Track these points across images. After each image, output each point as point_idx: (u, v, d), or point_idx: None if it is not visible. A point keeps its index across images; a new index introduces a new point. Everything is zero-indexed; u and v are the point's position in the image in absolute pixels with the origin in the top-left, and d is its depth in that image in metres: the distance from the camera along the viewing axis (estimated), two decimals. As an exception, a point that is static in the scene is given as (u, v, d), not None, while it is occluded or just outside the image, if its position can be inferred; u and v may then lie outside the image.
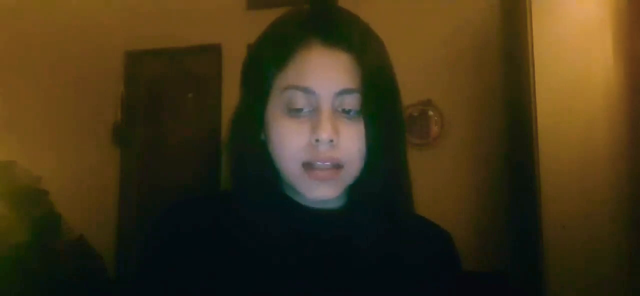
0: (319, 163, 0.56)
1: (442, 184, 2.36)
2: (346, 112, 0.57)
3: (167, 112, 2.79)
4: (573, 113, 1.78)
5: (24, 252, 2.08)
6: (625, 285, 1.65)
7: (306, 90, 0.56)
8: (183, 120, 2.75)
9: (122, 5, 2.80)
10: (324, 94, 0.56)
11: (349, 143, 0.57)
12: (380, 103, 0.58)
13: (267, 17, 0.69)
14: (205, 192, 0.69)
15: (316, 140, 0.55)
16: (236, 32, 2.43)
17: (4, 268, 1.95)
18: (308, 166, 0.57)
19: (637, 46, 1.66)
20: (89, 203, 2.66)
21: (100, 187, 2.76)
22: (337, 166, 0.57)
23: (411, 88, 2.41)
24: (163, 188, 2.65)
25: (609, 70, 1.74)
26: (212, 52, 2.66)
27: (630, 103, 1.69)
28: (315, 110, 0.57)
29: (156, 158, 2.77)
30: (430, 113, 2.40)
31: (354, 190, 0.62)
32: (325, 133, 0.55)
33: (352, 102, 0.57)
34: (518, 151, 2.10)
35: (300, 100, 0.57)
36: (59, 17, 2.84)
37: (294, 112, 0.57)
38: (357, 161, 0.58)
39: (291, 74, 0.57)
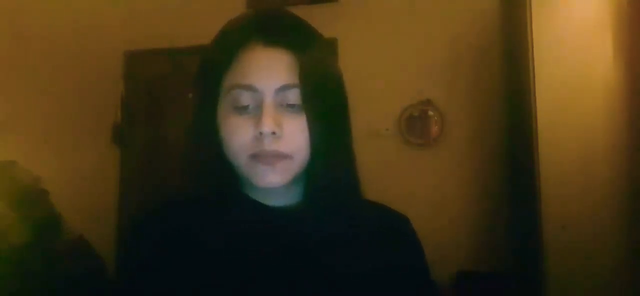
0: (264, 155, 0.60)
1: (442, 184, 2.37)
2: (291, 106, 0.60)
3: (167, 112, 2.79)
4: (573, 113, 1.78)
5: (24, 252, 2.08)
6: (625, 285, 1.65)
7: (249, 88, 0.60)
8: (183, 120, 2.74)
9: (122, 5, 2.80)
10: (266, 90, 0.60)
11: (293, 136, 0.60)
12: (320, 97, 0.61)
13: (266, 18, 0.69)
14: (179, 195, 0.71)
15: (260, 133, 0.58)
16: (236, 32, 2.42)
17: (4, 268, 1.94)
18: (255, 157, 0.60)
19: (637, 46, 1.66)
20: (89, 203, 2.65)
21: (100, 187, 2.76)
22: (283, 156, 0.60)
23: (411, 88, 2.43)
24: (163, 188, 2.65)
25: (609, 70, 1.74)
26: (212, 52, 2.66)
27: (630, 103, 1.69)
28: (259, 106, 0.60)
29: (156, 158, 2.76)
30: (430, 113, 2.39)
31: (309, 186, 0.66)
32: (266, 127, 0.58)
33: (294, 97, 0.60)
34: (518, 151, 2.10)
35: (244, 98, 0.60)
36: (59, 17, 2.84)
37: (239, 109, 0.61)
38: (303, 152, 0.61)
39: (236, 74, 0.61)
